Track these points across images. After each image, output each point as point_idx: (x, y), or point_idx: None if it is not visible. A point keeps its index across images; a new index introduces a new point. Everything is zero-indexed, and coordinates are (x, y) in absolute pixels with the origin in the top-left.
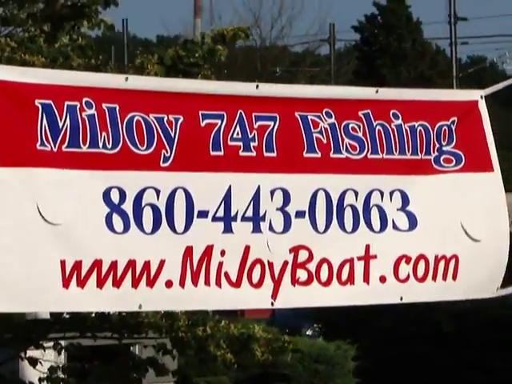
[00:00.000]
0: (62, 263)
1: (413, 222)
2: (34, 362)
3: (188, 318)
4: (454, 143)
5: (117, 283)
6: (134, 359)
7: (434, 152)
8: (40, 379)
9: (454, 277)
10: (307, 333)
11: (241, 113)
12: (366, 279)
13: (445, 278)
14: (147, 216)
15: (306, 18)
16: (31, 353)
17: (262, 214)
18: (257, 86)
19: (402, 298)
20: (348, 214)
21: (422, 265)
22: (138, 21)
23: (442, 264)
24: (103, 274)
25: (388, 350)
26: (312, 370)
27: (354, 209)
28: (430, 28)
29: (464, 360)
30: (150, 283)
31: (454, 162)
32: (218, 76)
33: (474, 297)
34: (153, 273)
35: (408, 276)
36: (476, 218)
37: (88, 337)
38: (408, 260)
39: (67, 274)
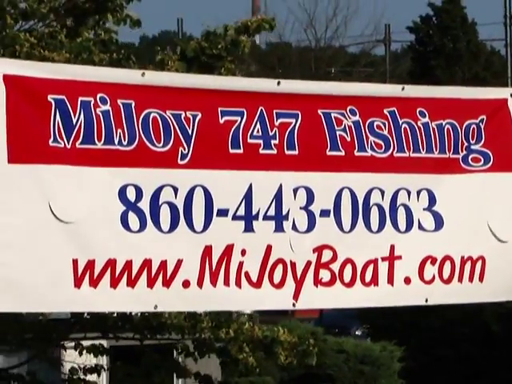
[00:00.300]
0: (74, 262)
1: (439, 223)
2: (54, 362)
3: (211, 319)
4: (482, 142)
5: (131, 283)
6: (156, 361)
7: (462, 151)
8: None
9: (481, 278)
10: (356, 333)
11: (261, 110)
12: (391, 280)
13: (471, 279)
14: (164, 214)
15: (361, 18)
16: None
17: (284, 212)
18: (278, 83)
19: (427, 300)
20: (374, 214)
21: (447, 266)
22: (193, 21)
23: (468, 265)
24: (117, 274)
25: (435, 351)
26: (357, 371)
27: (381, 208)
28: (485, 29)
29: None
30: (167, 283)
31: (483, 161)
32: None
33: (502, 299)
34: (169, 273)
35: (433, 277)
36: (503, 218)
37: (109, 337)
38: (433, 261)
39: (79, 273)
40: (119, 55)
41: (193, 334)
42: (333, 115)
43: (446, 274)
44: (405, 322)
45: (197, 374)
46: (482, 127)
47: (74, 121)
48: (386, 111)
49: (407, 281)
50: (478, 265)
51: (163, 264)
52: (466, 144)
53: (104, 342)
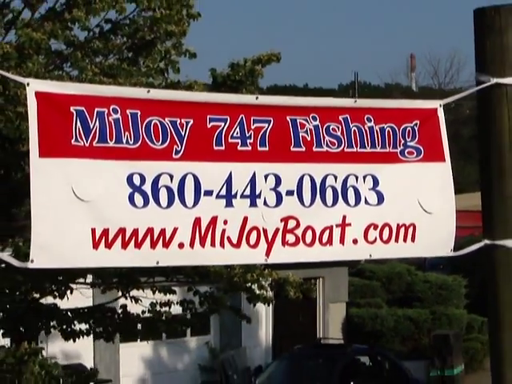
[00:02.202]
0: (93, 230)
1: (380, 199)
2: (136, 300)
3: (241, 267)
4: (416, 140)
5: (138, 245)
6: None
7: (399, 146)
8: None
9: (413, 239)
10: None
11: (242, 117)
12: (342, 241)
13: (405, 240)
14: (163, 194)
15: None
16: None
17: (257, 192)
18: (256, 98)
19: (370, 255)
20: (329, 193)
21: (386, 230)
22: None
23: (402, 230)
24: (127, 239)
25: None
26: (436, 294)
27: (334, 189)
28: None
29: None
30: (166, 245)
31: (415, 154)
32: None
33: (430, 255)
34: (167, 237)
35: (375, 239)
36: (429, 196)
37: (172, 281)
38: (375, 227)
39: (97, 238)
40: (166, 81)
41: (229, 278)
42: (298, 121)
43: (385, 236)
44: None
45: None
46: (416, 129)
47: (91, 126)
48: (340, 118)
49: (355, 242)
50: (410, 230)
51: (162, 231)
52: (402, 141)
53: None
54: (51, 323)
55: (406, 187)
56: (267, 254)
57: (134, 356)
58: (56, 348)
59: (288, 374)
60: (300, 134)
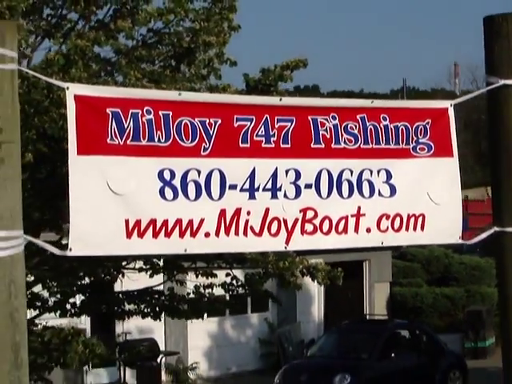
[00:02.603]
0: (126, 221)
1: (393, 191)
2: (181, 283)
3: (275, 254)
4: (427, 137)
5: (167, 235)
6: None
7: (412, 143)
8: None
9: (422, 228)
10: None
11: (266, 117)
12: (356, 230)
13: (415, 229)
14: (191, 188)
15: None
16: None
17: (278, 186)
18: (280, 99)
19: (382, 243)
20: (345, 186)
21: (397, 220)
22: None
23: (412, 220)
24: (157, 229)
25: None
26: (470, 275)
27: (350, 182)
28: None
29: None
30: (193, 234)
31: (427, 149)
32: None
33: (438, 242)
34: (195, 227)
35: (387, 228)
36: (438, 188)
37: (212, 267)
38: (388, 217)
39: (130, 228)
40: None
41: (263, 264)
42: (319, 120)
43: (396, 225)
44: None
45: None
46: (428, 127)
47: (126, 126)
48: (358, 117)
49: (368, 230)
50: (420, 219)
51: (190, 222)
52: (415, 138)
53: None
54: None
55: (417, 180)
56: (287, 242)
57: (200, 331)
58: (131, 324)
59: (336, 346)
60: (320, 132)
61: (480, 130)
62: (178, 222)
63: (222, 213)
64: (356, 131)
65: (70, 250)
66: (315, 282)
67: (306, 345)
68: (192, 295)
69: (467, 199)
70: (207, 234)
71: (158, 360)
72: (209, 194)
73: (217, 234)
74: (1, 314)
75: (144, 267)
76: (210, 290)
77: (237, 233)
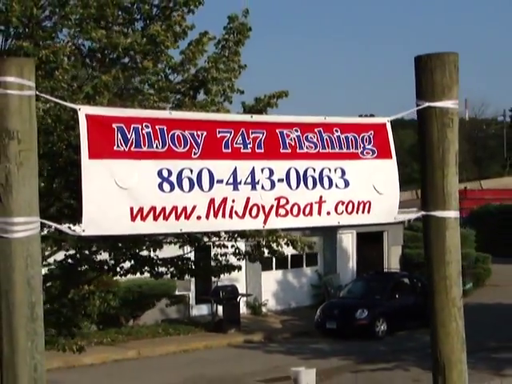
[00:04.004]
0: (131, 208)
1: (347, 184)
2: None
3: (267, 231)
4: (371, 144)
5: (165, 218)
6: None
7: (360, 148)
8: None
9: (369, 211)
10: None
11: (242, 130)
12: (319, 213)
13: (363, 212)
14: (185, 183)
15: None
16: None
17: (256, 180)
18: (251, 116)
19: (338, 222)
20: (310, 180)
21: (350, 206)
22: None
23: (361, 205)
24: (157, 214)
25: None
26: None
27: (313, 177)
28: None
29: None
30: (187, 218)
31: (371, 153)
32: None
33: (380, 221)
34: (188, 212)
35: (342, 211)
36: (381, 182)
37: (223, 240)
38: (343, 203)
39: (134, 214)
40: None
41: (255, 237)
42: (284, 132)
43: (349, 210)
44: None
45: None
46: (372, 136)
47: (129, 137)
48: (315, 130)
49: (328, 213)
50: (367, 205)
51: (184, 208)
52: (362, 145)
53: None
54: (145, 267)
55: (365, 176)
56: (264, 222)
57: (270, 279)
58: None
59: (359, 290)
60: (286, 141)
61: (477, 141)
62: (174, 208)
63: (212, 201)
64: (315, 140)
65: (83, 231)
66: (298, 249)
67: (342, 288)
68: (213, 262)
69: (466, 189)
70: (199, 217)
71: (238, 299)
72: (200, 187)
73: (207, 217)
74: (19, 279)
75: (173, 241)
76: (224, 256)
77: (223, 216)
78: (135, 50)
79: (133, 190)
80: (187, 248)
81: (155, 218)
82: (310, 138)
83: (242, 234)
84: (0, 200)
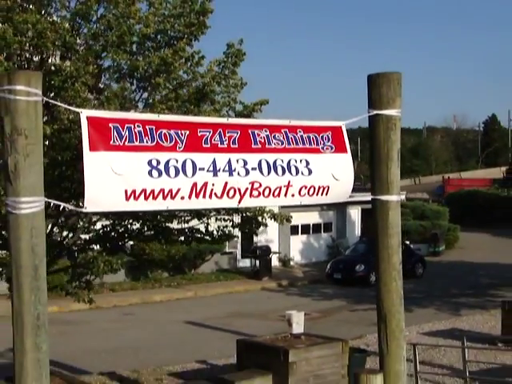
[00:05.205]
0: (125, 190)
1: (310, 172)
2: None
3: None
4: (330, 141)
5: (154, 198)
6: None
7: (320, 145)
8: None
9: (327, 194)
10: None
11: (220, 130)
12: (285, 195)
13: (322, 194)
14: (172, 170)
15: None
16: None
17: (233, 168)
18: (227, 119)
19: (301, 202)
20: (279, 169)
21: (312, 189)
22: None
23: (321, 189)
24: (147, 195)
25: None
26: (435, 214)
27: (282, 167)
28: None
29: None
30: (172, 198)
31: (330, 148)
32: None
33: (335, 201)
34: (174, 193)
35: (305, 194)
36: (338, 171)
37: (222, 215)
38: (306, 187)
39: (128, 194)
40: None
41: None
42: (256, 132)
43: (311, 192)
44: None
45: None
46: (330, 136)
47: (123, 134)
48: (282, 130)
49: (293, 195)
50: (326, 189)
51: (170, 190)
52: (322, 142)
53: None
54: (161, 236)
55: (325, 166)
56: (239, 202)
57: (297, 241)
58: (261, 238)
59: (359, 249)
60: (257, 139)
61: (459, 145)
62: (162, 190)
63: (194, 184)
64: (282, 138)
65: (85, 208)
66: (278, 221)
67: (349, 249)
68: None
69: (449, 178)
70: (182, 198)
71: (270, 255)
72: (184, 173)
73: (189, 197)
74: (25, 247)
75: (183, 214)
76: (226, 228)
77: (204, 196)
78: (151, 69)
79: (127, 176)
80: (205, 220)
81: (146, 198)
82: (277, 136)
83: (236, 210)
84: (10, 184)
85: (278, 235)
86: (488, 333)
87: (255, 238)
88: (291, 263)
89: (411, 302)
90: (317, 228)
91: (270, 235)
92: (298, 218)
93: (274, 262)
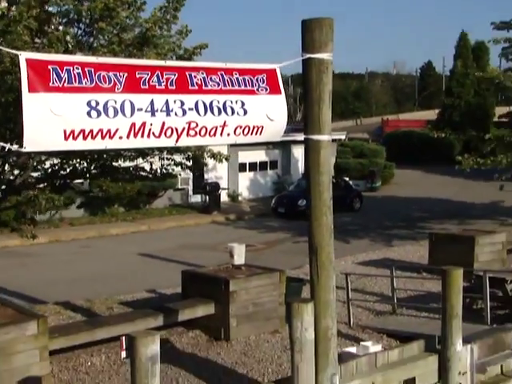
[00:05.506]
0: (64, 131)
1: (245, 113)
2: (151, 163)
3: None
4: (265, 83)
5: (93, 138)
6: None
7: (255, 86)
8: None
9: (261, 133)
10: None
11: (158, 72)
12: (221, 134)
13: (256, 134)
14: (110, 111)
15: None
16: None
17: (170, 109)
18: (165, 62)
19: (236, 141)
20: (215, 109)
21: (247, 129)
22: None
23: (256, 129)
24: (86, 135)
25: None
26: (373, 153)
27: (218, 107)
28: None
29: None
30: (111, 137)
31: (265, 90)
32: None
33: (270, 140)
34: (112, 133)
35: (240, 133)
36: (272, 111)
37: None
38: (241, 127)
39: (67, 135)
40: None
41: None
42: (193, 74)
43: (245, 132)
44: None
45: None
46: (265, 78)
47: (62, 75)
48: (218, 73)
49: (228, 135)
50: (260, 128)
51: (109, 130)
52: (257, 84)
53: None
54: (107, 174)
55: (260, 107)
56: (176, 141)
57: (245, 177)
58: (211, 175)
59: (302, 185)
60: (194, 81)
61: (398, 89)
62: (100, 130)
63: (133, 125)
64: (218, 80)
65: (25, 147)
66: (217, 160)
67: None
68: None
69: (388, 119)
70: (121, 137)
71: (219, 191)
72: (123, 114)
73: (128, 137)
74: None
75: (128, 154)
76: (169, 166)
77: (142, 136)
78: (96, 14)
79: (66, 117)
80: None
81: (84, 138)
82: (214, 78)
83: (177, 150)
84: None
85: (227, 172)
86: (417, 262)
87: (206, 175)
88: (239, 198)
89: (348, 233)
90: (263, 166)
91: (219, 172)
92: (246, 157)
93: (224, 197)
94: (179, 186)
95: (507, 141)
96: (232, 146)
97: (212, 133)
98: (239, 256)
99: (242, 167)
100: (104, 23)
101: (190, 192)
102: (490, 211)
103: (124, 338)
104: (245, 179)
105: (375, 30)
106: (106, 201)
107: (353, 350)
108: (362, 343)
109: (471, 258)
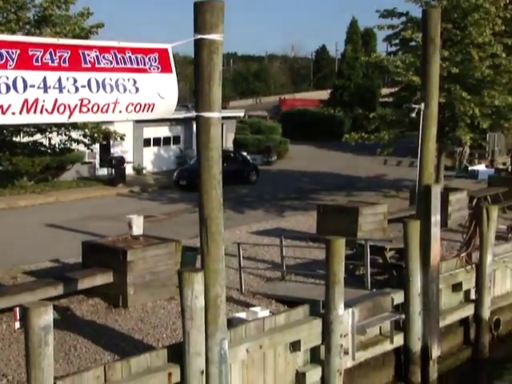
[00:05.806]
0: None
1: (137, 90)
2: (49, 139)
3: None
4: (157, 62)
5: None
6: None
7: (147, 65)
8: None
9: (152, 110)
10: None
11: (51, 50)
12: (113, 111)
13: (147, 111)
14: (2, 87)
15: None
16: None
17: (63, 86)
18: (58, 39)
19: (127, 118)
20: (108, 87)
21: (138, 106)
22: None
23: (147, 106)
24: None
25: None
26: (270, 129)
27: (111, 85)
28: None
29: None
30: (3, 113)
31: (157, 69)
32: None
33: (161, 117)
34: (4, 110)
35: (131, 110)
36: (163, 89)
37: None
38: (132, 104)
39: None
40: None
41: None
42: (86, 52)
43: (137, 109)
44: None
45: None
46: (157, 57)
47: None
48: (111, 51)
49: (120, 112)
50: (151, 106)
51: (1, 106)
52: (149, 63)
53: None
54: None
55: (151, 85)
56: (69, 117)
57: (149, 152)
58: (117, 150)
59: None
60: (87, 59)
61: (294, 70)
62: (1, 107)
63: (25, 101)
64: (111, 58)
65: None
66: (112, 138)
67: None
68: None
69: (285, 98)
70: (13, 113)
71: (124, 165)
72: (15, 90)
73: (20, 113)
74: None
75: (27, 129)
76: (67, 142)
77: (35, 112)
78: None
79: None
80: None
81: None
82: (107, 56)
83: (74, 126)
84: None
85: (132, 147)
86: (307, 231)
87: (112, 150)
88: (144, 172)
89: (244, 204)
90: (167, 141)
91: (125, 147)
92: (150, 132)
93: (129, 170)
94: (86, 160)
95: (389, 119)
96: (137, 122)
97: (104, 109)
98: (137, 227)
99: (147, 142)
100: (1, 1)
101: (97, 165)
102: (375, 184)
103: (18, 308)
104: (149, 153)
105: (275, 15)
106: (15, 174)
107: (242, 315)
108: (251, 309)
109: (355, 227)
